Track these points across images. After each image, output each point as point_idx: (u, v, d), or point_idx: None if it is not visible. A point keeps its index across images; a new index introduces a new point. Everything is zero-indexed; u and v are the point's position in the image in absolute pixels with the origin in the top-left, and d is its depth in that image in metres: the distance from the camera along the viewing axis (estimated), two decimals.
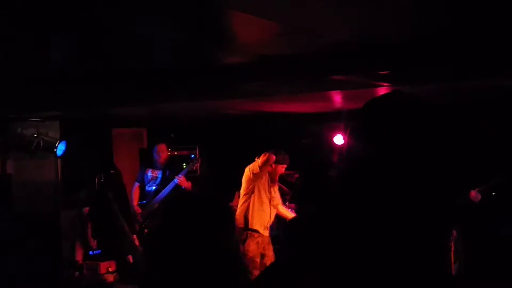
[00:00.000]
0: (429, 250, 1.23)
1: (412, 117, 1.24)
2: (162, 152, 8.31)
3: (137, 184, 8.48)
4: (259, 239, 7.09)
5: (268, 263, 6.71)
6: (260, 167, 7.02)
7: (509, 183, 6.99)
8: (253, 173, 7.10)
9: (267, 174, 7.21)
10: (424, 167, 1.21)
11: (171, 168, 8.35)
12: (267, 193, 7.21)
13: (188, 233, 1.95)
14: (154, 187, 8.30)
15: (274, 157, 7.06)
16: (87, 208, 8.81)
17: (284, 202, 7.77)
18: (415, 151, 1.21)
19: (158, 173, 8.32)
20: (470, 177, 6.65)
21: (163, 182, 8.24)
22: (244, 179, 7.22)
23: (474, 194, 6.97)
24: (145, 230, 8.04)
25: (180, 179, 8.08)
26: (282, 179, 7.80)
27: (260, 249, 7.06)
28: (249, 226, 7.11)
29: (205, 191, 8.80)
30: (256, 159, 7.11)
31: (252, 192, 7.15)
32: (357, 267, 1.18)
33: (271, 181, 7.27)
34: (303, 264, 1.24)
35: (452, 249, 6.84)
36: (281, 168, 7.26)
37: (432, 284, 1.20)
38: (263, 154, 7.01)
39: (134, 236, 8.22)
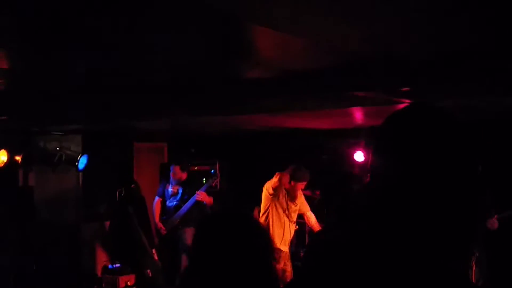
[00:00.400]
0: (454, 262, 1.21)
1: (435, 131, 1.23)
2: (176, 174, 8.33)
3: (158, 199, 8.50)
4: (280, 254, 7.06)
5: (288, 279, 6.68)
6: (273, 189, 7.02)
7: None
8: (268, 192, 7.10)
9: (284, 192, 7.18)
10: (447, 181, 1.19)
11: (191, 184, 8.36)
12: (286, 211, 7.18)
13: (225, 253, 1.91)
14: (175, 203, 8.31)
15: (287, 178, 7.03)
16: (108, 222, 8.84)
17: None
18: (439, 165, 1.19)
19: (179, 189, 8.34)
20: (492, 198, 6.55)
21: (183, 197, 8.25)
22: (262, 197, 7.23)
23: (491, 222, 6.85)
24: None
25: (200, 195, 8.07)
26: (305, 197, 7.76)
27: (281, 264, 7.05)
28: None
29: (225, 206, 8.79)
30: (276, 174, 7.09)
31: (271, 209, 7.14)
32: (382, 278, 1.17)
33: (291, 199, 7.23)
34: (326, 274, 1.23)
35: (474, 268, 6.75)
36: (300, 185, 7.22)
37: None
38: (275, 175, 6.99)
39: (154, 250, 8.23)
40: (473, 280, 6.69)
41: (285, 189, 7.15)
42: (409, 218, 1.20)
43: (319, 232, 6.15)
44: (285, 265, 7.11)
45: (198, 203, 8.08)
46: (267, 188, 7.11)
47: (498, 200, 6.67)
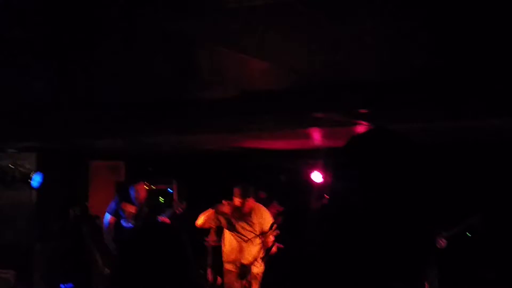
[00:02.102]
0: (407, 285, 1.23)
1: (394, 154, 1.25)
2: (141, 191, 8.06)
3: (111, 217, 8.09)
4: (231, 274, 7.23)
5: None
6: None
7: (480, 225, 7.01)
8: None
9: (223, 218, 7.28)
10: (405, 204, 1.22)
11: (149, 204, 8.15)
12: (234, 231, 7.27)
13: (145, 256, 2.05)
14: (131, 224, 8.02)
15: (199, 222, 7.28)
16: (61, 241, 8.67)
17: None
18: (397, 188, 1.22)
19: (136, 210, 8.07)
20: (442, 219, 6.67)
21: (140, 218, 7.97)
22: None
23: (439, 241, 6.95)
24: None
25: (163, 220, 7.88)
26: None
27: (237, 284, 7.15)
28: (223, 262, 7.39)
29: (182, 224, 8.70)
30: (223, 202, 7.24)
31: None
32: None
33: (239, 218, 7.24)
34: None
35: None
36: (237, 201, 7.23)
37: None
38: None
39: (109, 269, 8.06)
40: None
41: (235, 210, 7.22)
42: (365, 237, 1.22)
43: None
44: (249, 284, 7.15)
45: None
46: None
47: (444, 219, 6.80)
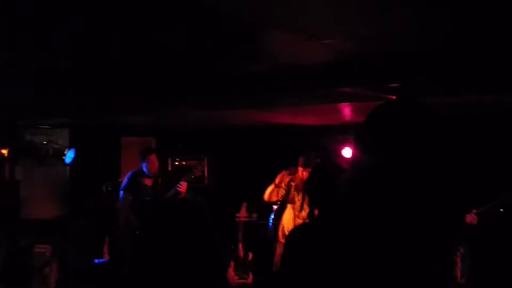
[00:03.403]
0: (434, 256, 1.22)
1: (416, 125, 1.23)
2: (154, 162, 7.89)
3: (124, 193, 7.97)
4: None
5: None
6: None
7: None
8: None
9: (292, 188, 7.07)
10: (428, 175, 1.20)
11: (170, 177, 8.04)
12: (293, 203, 7.07)
13: (165, 235, 2.05)
14: (147, 198, 7.88)
15: (267, 191, 7.07)
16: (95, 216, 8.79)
17: None
18: (419, 159, 1.20)
19: (152, 182, 7.96)
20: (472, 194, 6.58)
21: (157, 191, 7.90)
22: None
23: (470, 218, 6.87)
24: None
25: (182, 186, 7.75)
26: None
27: None
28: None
29: (211, 201, 8.76)
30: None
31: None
32: (360, 268, 1.18)
33: (298, 190, 7.03)
34: (307, 266, 1.24)
35: (458, 264, 6.78)
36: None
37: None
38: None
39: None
40: (458, 276, 6.73)
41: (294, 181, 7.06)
42: (390, 211, 1.20)
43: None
44: None
45: (177, 194, 7.71)
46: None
47: (475, 196, 6.71)
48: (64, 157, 7.70)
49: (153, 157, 7.93)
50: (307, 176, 6.63)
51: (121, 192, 7.97)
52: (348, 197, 1.29)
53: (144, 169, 7.91)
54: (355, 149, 1.29)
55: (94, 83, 6.07)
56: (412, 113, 1.24)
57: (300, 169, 6.99)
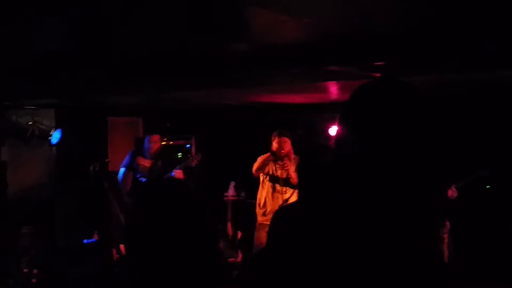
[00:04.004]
0: (418, 237, 1.23)
1: (399, 103, 1.23)
2: (155, 143, 7.90)
3: (125, 170, 8.01)
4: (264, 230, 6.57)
5: None
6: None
7: (490, 178, 6.98)
8: None
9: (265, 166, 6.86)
10: (410, 153, 1.20)
11: (165, 158, 8.09)
12: (273, 176, 6.87)
13: (154, 217, 2.05)
14: (145, 178, 7.96)
15: (259, 159, 6.80)
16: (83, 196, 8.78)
17: None
18: (401, 137, 1.20)
19: (150, 163, 8.12)
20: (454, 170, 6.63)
21: (155, 172, 7.92)
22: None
23: (450, 192, 6.92)
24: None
25: (176, 174, 7.73)
26: None
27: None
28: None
29: (200, 180, 8.76)
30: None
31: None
32: (343, 248, 1.19)
33: (277, 165, 6.85)
34: (291, 243, 1.25)
35: (446, 240, 6.83)
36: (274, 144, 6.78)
37: (418, 269, 1.21)
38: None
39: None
40: (446, 250, 6.77)
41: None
42: (371, 189, 1.21)
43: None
44: None
45: None
46: None
47: (454, 170, 6.76)
48: (50, 138, 7.67)
49: (156, 137, 7.94)
50: (279, 143, 6.62)
51: (123, 168, 7.97)
52: (332, 176, 1.30)
53: (146, 147, 7.91)
54: (339, 128, 1.30)
55: (80, 63, 6.02)
56: (395, 92, 1.25)
57: (274, 142, 6.73)
